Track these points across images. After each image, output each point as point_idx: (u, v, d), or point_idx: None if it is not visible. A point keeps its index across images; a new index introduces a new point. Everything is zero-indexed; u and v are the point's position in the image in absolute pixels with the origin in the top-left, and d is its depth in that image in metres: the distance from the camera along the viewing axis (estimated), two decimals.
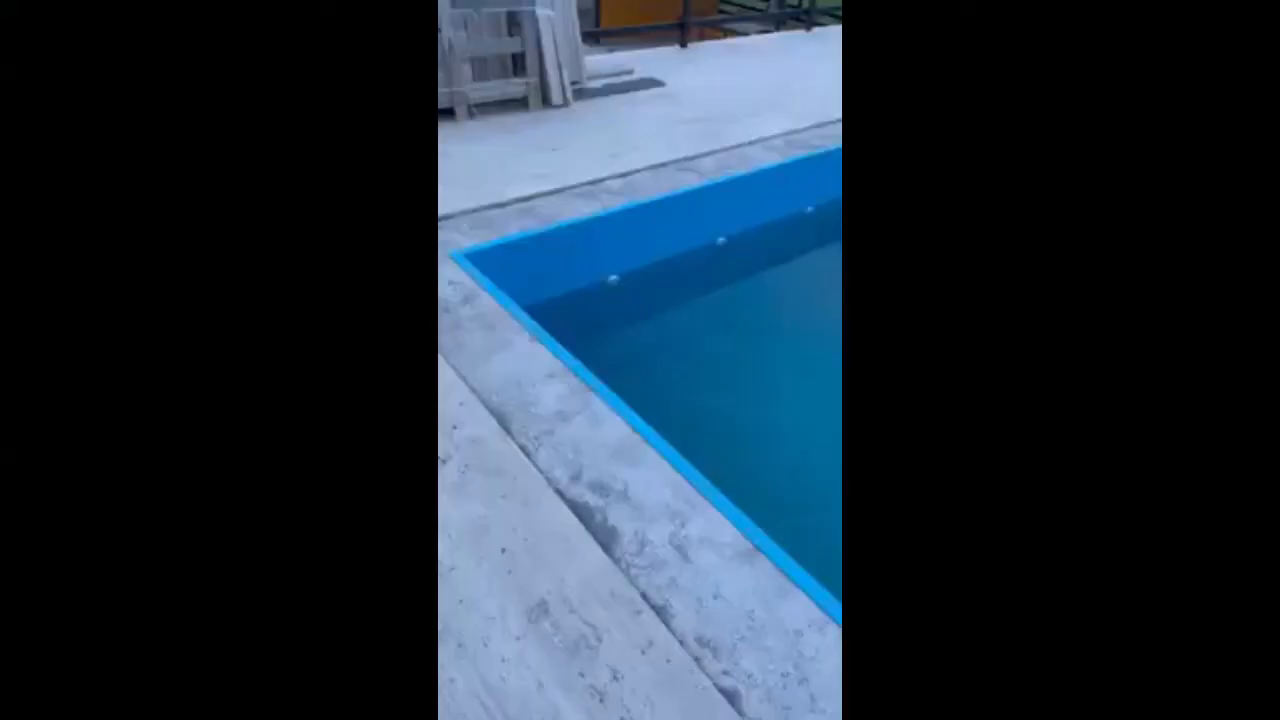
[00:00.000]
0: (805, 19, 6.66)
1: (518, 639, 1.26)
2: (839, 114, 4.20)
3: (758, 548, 1.44)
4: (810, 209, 3.77)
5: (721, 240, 3.44)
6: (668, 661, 1.24)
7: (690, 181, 3.28)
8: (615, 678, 1.21)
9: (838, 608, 1.32)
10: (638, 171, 3.35)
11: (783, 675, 1.22)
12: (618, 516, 1.52)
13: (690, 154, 3.55)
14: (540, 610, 1.31)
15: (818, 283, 3.51)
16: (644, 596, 1.35)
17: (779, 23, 6.96)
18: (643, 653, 1.25)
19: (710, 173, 3.39)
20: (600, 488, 1.60)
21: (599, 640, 1.27)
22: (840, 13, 6.95)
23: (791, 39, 6.36)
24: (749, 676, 1.22)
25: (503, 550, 1.43)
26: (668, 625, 1.29)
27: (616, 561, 1.42)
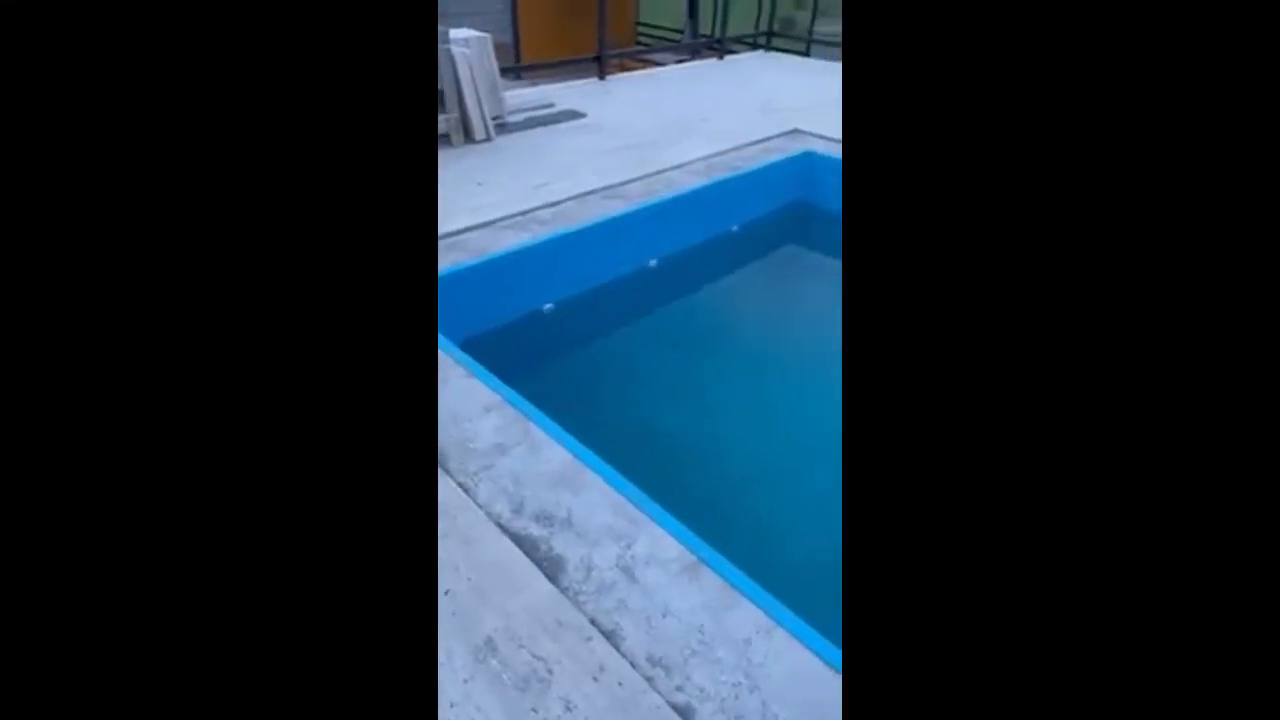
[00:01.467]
0: (718, 47, 6.91)
1: (465, 681, 1.23)
2: (756, 135, 4.36)
3: (702, 560, 1.46)
4: (735, 228, 3.89)
5: (653, 263, 3.50)
6: (620, 685, 1.23)
7: (618, 208, 3.33)
8: (568, 708, 1.19)
9: (783, 611, 1.34)
10: (565, 201, 3.38)
11: (734, 685, 1.23)
12: (563, 544, 1.51)
13: (616, 181, 3.61)
14: (488, 649, 1.29)
15: (749, 298, 3.61)
16: (593, 622, 1.33)
17: (694, 52, 7.20)
18: (595, 679, 1.24)
19: (637, 198, 3.45)
20: (543, 518, 1.58)
21: (550, 672, 1.25)
22: (751, 39, 7.26)
23: (706, 67, 6.59)
24: (701, 690, 1.22)
25: (445, 592, 1.40)
26: (618, 649, 1.29)
27: (564, 590, 1.40)
